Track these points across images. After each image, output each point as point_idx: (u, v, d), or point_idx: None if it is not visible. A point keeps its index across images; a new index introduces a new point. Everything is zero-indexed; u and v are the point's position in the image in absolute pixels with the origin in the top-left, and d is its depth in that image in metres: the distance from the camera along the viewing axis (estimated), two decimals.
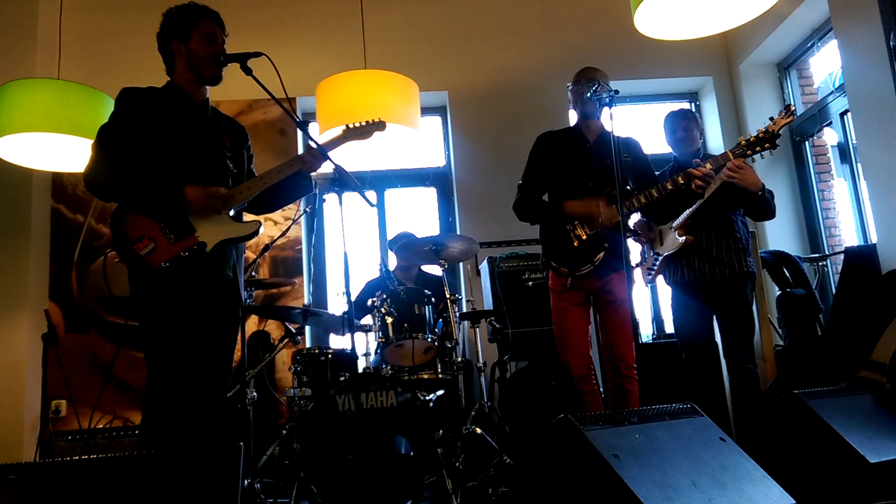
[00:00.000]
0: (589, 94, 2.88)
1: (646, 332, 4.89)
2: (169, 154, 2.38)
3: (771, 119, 2.98)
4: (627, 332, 2.93)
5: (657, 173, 3.27)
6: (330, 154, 2.56)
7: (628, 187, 3.00)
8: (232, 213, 2.45)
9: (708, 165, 2.93)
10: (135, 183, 2.31)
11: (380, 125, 2.67)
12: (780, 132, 2.90)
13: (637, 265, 3.45)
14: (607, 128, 3.02)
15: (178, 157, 2.39)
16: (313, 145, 2.55)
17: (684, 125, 3.39)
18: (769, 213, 3.21)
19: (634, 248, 3.43)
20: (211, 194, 2.35)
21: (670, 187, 2.91)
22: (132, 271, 2.33)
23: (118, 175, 2.32)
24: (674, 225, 3.27)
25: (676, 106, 5.42)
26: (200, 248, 2.33)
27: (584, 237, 2.95)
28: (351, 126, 2.64)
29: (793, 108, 3.00)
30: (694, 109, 5.46)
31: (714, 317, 3.36)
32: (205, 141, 2.48)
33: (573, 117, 3.21)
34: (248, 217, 2.60)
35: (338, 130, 2.68)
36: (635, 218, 3.42)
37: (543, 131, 3.23)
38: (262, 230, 2.48)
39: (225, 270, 2.44)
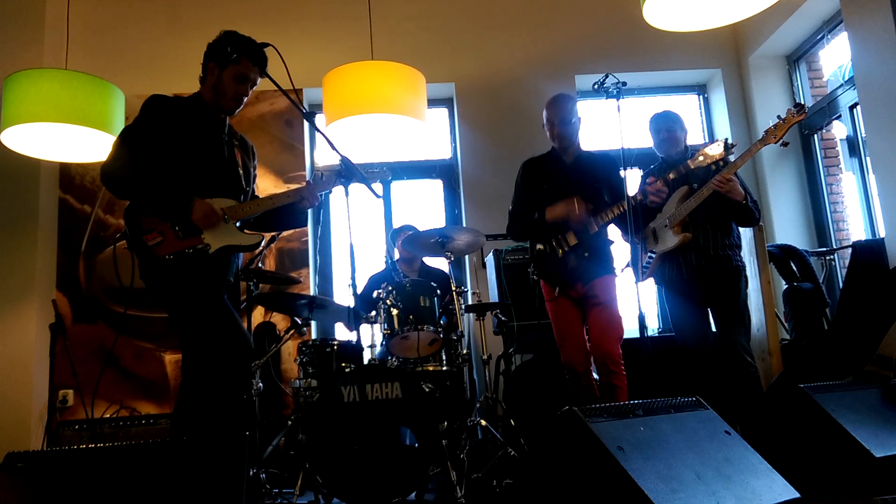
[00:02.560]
0: (596, 86, 2.94)
1: (652, 327, 4.88)
2: (188, 165, 2.50)
3: (779, 117, 3.03)
4: (614, 330, 3.16)
5: (649, 168, 3.53)
6: (334, 148, 2.64)
7: (607, 199, 3.25)
8: (238, 224, 2.59)
9: (660, 183, 3.19)
10: (150, 186, 2.43)
11: (384, 174, 2.90)
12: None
13: (627, 265, 3.47)
14: (583, 147, 3.39)
15: (196, 169, 2.52)
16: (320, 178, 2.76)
17: (667, 127, 3.45)
18: (754, 220, 3.32)
19: (623, 249, 3.47)
20: (213, 212, 2.48)
21: (640, 198, 3.22)
22: (141, 260, 2.46)
23: (136, 175, 2.43)
24: (669, 223, 3.30)
25: (684, 98, 5.44)
26: (204, 248, 2.47)
27: (567, 248, 3.21)
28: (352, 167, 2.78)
29: (804, 106, 3.00)
30: (702, 102, 5.44)
31: (710, 311, 3.41)
32: (222, 157, 2.62)
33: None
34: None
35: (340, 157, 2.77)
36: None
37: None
38: (263, 244, 2.66)
39: (228, 276, 2.59)
